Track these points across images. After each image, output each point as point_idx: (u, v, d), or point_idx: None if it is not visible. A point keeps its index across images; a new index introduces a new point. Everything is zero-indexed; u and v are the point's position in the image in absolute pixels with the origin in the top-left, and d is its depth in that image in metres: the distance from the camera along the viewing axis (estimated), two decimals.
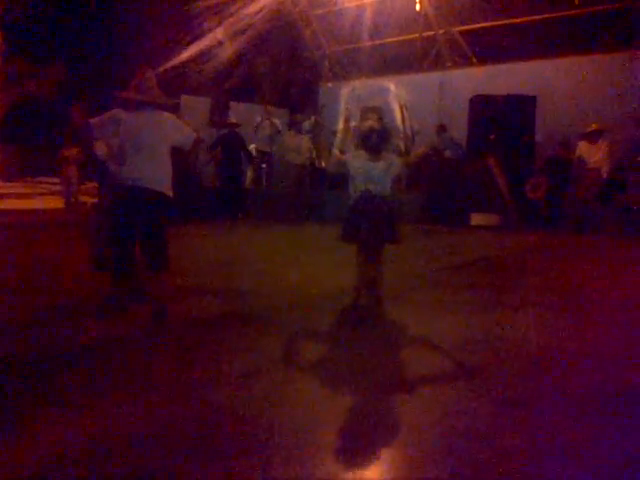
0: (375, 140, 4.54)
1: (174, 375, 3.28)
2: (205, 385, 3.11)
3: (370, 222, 4.51)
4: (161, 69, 12.17)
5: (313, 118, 12.79)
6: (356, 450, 2.50)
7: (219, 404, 2.87)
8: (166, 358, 3.59)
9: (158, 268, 4.37)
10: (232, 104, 13.20)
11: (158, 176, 4.30)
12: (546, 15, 12.21)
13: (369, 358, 3.71)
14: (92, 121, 4.25)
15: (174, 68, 12.98)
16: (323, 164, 12.23)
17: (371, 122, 4.63)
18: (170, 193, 4.37)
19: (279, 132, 12.36)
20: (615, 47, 11.27)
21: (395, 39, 14.62)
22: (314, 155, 12.09)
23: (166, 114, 4.47)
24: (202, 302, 4.85)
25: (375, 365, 3.56)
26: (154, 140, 4.30)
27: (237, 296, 5.11)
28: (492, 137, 10.46)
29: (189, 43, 14.14)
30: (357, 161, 4.60)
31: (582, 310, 4.92)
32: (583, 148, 9.97)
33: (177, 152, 4.53)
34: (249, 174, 12.63)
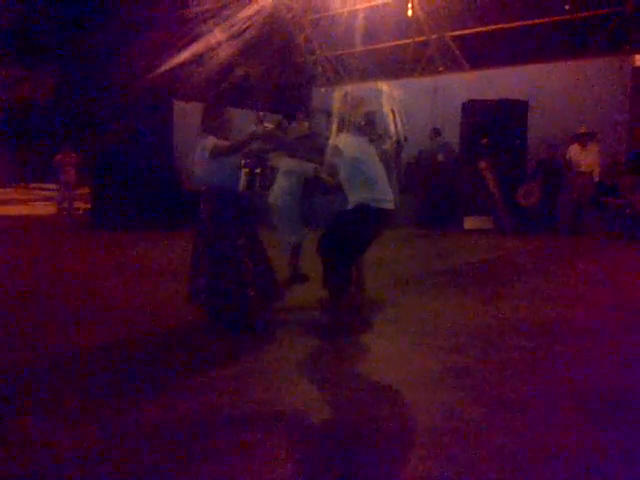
0: None
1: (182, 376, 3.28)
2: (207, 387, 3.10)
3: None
4: (152, 74, 12.14)
5: (306, 123, 12.74)
6: (348, 452, 2.49)
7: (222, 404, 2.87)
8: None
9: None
10: (224, 110, 13.13)
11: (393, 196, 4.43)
12: (537, 20, 12.28)
13: (359, 361, 3.71)
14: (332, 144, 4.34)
15: (166, 73, 12.93)
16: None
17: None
18: None
19: None
20: (605, 51, 11.35)
21: (388, 44, 14.66)
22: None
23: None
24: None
25: (365, 368, 3.55)
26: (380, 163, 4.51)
27: None
28: (484, 141, 10.51)
29: (181, 48, 14.10)
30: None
31: (575, 312, 4.93)
32: (574, 151, 10.01)
33: None
34: (243, 178, 12.60)
